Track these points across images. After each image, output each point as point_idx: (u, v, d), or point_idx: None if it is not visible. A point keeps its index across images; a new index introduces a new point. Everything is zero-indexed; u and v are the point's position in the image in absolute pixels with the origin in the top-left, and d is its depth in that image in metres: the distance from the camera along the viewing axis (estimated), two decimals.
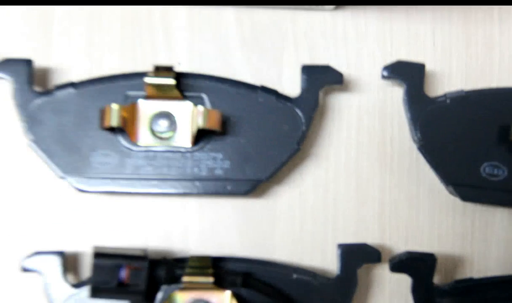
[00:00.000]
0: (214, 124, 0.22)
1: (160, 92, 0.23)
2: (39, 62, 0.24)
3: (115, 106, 0.22)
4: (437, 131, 0.23)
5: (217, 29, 0.25)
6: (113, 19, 0.25)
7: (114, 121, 0.22)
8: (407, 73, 0.24)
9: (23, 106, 0.23)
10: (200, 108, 0.22)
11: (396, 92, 0.25)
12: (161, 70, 0.23)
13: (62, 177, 0.23)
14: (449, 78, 0.25)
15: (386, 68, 0.24)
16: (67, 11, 0.25)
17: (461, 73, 0.25)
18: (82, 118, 0.23)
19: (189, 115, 0.23)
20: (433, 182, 0.24)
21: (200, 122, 0.22)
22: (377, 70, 0.24)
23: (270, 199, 0.24)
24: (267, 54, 0.25)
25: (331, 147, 0.25)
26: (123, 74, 0.24)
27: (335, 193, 0.24)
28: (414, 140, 0.24)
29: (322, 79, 0.24)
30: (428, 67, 0.24)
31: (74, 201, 0.24)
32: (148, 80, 0.23)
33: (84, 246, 0.24)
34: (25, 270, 0.23)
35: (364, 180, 0.24)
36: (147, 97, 0.23)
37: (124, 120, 0.22)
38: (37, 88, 0.24)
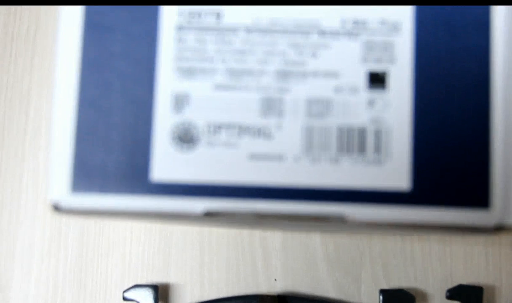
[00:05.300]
0: None
1: None
2: (160, 280, 0.29)
3: None
4: None
5: (306, 250, 0.30)
6: (221, 242, 0.30)
7: None
8: (467, 296, 0.28)
9: None
10: None
11: None
12: (265, 300, 0.28)
13: None
14: (499, 291, 0.30)
15: (449, 290, 0.28)
16: (183, 232, 0.30)
17: (510, 288, 0.30)
18: None
19: None
20: None
21: None
22: (439, 285, 0.29)
23: None
24: (347, 271, 0.30)
25: None
26: (232, 297, 0.28)
27: None
28: None
29: (397, 302, 0.28)
30: (482, 282, 0.29)
31: None
32: None
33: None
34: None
35: None
36: None
37: None
38: None
